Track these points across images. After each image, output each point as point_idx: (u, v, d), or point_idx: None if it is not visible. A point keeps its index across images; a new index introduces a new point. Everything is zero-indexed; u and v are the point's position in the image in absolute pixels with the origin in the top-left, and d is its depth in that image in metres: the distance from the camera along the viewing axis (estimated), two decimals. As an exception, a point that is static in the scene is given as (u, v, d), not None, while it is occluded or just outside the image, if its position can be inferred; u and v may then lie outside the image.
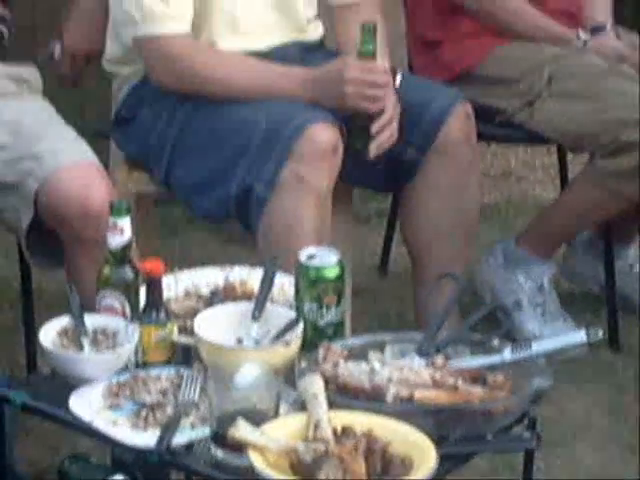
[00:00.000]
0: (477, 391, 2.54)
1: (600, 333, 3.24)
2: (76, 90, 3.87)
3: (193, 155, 3.54)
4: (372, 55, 3.46)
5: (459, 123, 3.63)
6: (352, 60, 3.48)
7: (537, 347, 2.84)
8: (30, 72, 3.61)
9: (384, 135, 3.47)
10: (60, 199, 3.15)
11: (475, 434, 2.50)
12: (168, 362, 2.66)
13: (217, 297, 2.89)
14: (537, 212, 4.47)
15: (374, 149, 3.45)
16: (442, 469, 2.31)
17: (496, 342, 2.79)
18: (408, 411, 2.48)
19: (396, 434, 2.37)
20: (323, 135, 3.34)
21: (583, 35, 4.03)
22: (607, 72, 3.93)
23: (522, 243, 4.11)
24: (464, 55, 4.07)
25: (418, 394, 2.50)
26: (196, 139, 3.53)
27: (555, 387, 2.83)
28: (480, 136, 3.81)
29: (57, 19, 3.86)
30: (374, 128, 3.46)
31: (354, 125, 3.47)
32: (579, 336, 3.14)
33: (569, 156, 4.32)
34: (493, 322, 3.36)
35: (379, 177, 3.73)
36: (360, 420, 2.41)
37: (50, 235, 3.27)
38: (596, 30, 4.09)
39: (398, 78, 3.55)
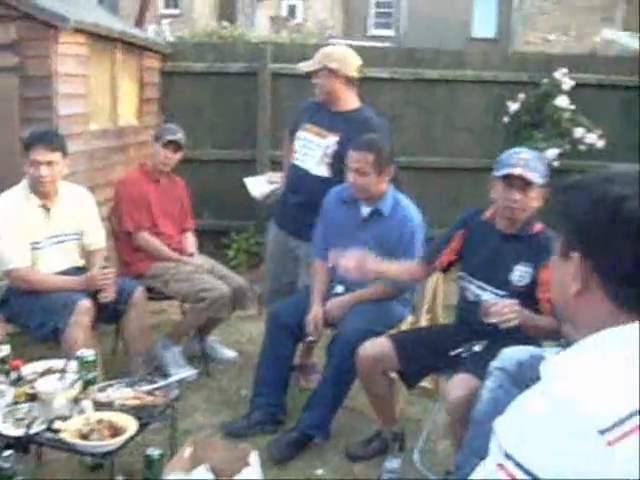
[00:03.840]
0: (149, 398, 2.62)
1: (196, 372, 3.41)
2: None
3: (32, 314, 3.30)
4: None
5: (139, 294, 3.55)
6: (95, 273, 3.36)
7: (175, 378, 2.90)
8: None
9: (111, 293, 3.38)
10: None
11: (151, 415, 2.57)
12: (25, 401, 2.59)
13: (44, 374, 2.74)
14: (173, 325, 4.16)
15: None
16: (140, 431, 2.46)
17: (156, 378, 2.85)
18: (124, 409, 2.53)
19: (119, 418, 2.47)
20: (86, 303, 3.24)
21: (188, 262, 3.92)
22: (195, 272, 3.83)
23: (169, 339, 3.92)
24: (140, 268, 3.91)
25: (127, 401, 2.58)
26: (33, 308, 3.31)
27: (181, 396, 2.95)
28: (149, 298, 3.72)
29: None
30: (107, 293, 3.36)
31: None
32: (189, 372, 3.35)
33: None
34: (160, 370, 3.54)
35: (109, 317, 3.53)
36: (106, 415, 2.47)
37: None
38: (190, 255, 4.02)
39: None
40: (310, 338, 3.39)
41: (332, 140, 3.58)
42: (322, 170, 3.62)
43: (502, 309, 2.53)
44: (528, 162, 2.68)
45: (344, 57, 3.58)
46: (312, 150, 3.64)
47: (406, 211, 3.31)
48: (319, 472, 3.09)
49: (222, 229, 6.07)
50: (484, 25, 25.22)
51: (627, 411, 0.94)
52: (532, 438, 0.98)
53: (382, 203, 3.31)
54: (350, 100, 3.64)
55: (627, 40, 5.28)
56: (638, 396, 0.96)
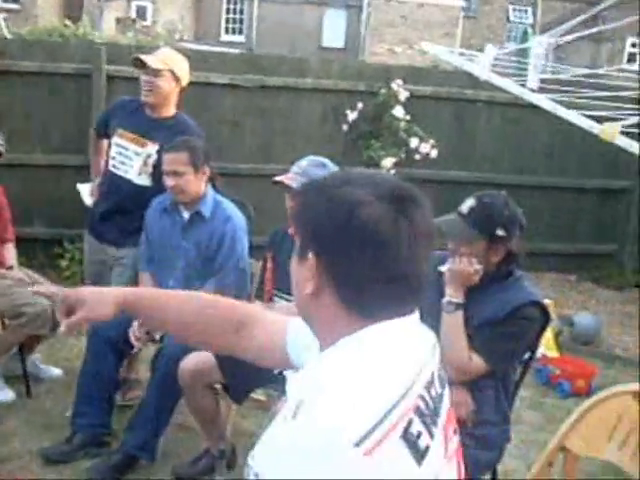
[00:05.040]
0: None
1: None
2: None
3: None
4: None
5: None
6: None
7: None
8: None
9: None
10: None
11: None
12: None
13: None
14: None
15: None
16: None
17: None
18: None
19: None
20: None
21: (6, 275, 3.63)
22: (14, 287, 3.53)
23: None
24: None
25: None
26: None
27: None
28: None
29: None
30: None
31: None
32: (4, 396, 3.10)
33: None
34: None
35: None
36: None
37: None
38: (9, 268, 3.69)
39: None
40: (135, 350, 3.22)
41: (152, 149, 3.47)
42: (143, 179, 3.51)
43: None
44: (304, 169, 2.73)
45: (185, 65, 3.53)
46: (130, 159, 3.50)
47: (227, 213, 3.25)
48: (146, 494, 2.96)
49: (55, 238, 5.70)
50: (334, 35, 25.82)
51: (375, 419, 0.96)
52: (288, 466, 0.96)
53: (202, 205, 3.23)
54: (172, 107, 3.56)
55: (446, 56, 5.49)
56: (382, 402, 0.99)
